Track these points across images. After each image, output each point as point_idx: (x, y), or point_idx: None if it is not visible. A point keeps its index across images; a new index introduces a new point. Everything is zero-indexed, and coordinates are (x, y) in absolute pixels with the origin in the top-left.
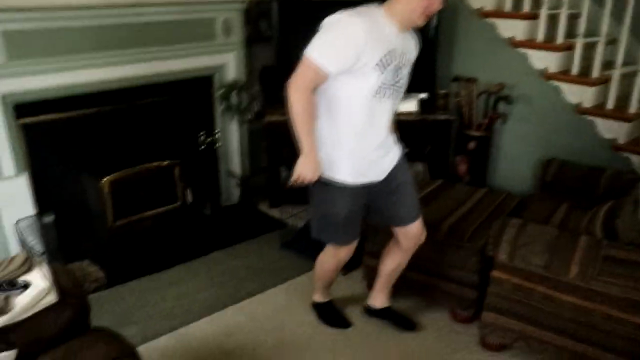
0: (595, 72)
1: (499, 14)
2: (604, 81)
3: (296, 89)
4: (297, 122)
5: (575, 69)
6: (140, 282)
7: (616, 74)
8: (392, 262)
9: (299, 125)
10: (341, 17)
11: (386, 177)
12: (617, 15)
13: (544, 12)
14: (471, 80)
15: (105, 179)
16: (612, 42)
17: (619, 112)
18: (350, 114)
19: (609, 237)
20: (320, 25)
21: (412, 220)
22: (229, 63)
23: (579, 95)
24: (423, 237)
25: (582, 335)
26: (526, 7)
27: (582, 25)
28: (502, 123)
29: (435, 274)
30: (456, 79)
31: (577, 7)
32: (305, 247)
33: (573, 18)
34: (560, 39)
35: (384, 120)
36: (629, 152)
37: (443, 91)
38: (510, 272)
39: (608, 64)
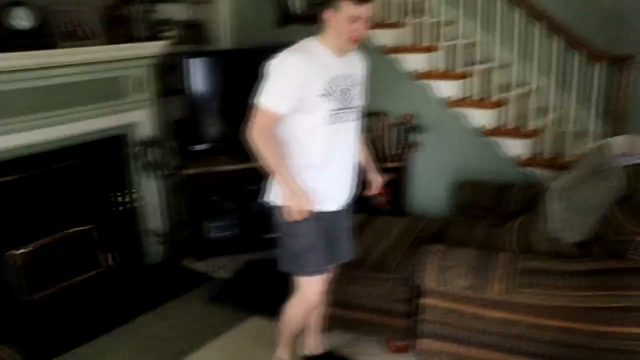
0: (494, 96)
1: (400, 49)
2: (503, 103)
3: (258, 136)
4: (271, 164)
5: (475, 95)
6: (63, 359)
7: (512, 95)
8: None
9: (273, 166)
10: (280, 58)
11: (337, 212)
12: (508, 43)
13: (442, 44)
14: (381, 114)
15: (18, 252)
16: (505, 66)
17: (519, 131)
18: (309, 146)
19: (525, 250)
20: (264, 70)
21: (343, 259)
22: (142, 119)
23: (481, 118)
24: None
25: (513, 347)
26: (425, 41)
27: (477, 52)
28: (415, 152)
29: (366, 309)
30: (367, 114)
31: (472, 36)
32: (235, 299)
33: (469, 47)
34: (459, 68)
35: (347, 144)
36: (533, 166)
37: None
38: (439, 297)
39: (504, 87)
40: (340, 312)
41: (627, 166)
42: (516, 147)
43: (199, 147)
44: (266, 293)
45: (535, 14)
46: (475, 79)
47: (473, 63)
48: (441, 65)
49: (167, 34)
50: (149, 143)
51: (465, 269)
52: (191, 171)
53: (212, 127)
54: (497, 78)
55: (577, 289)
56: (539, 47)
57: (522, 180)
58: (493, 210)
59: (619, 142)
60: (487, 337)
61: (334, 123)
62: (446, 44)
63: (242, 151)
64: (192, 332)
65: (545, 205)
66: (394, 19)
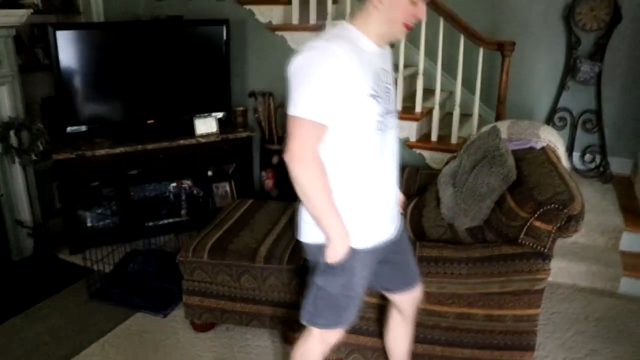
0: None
1: (287, 27)
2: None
3: (305, 164)
4: (317, 202)
5: None
6: None
7: (400, 78)
8: (405, 338)
9: (319, 205)
10: (314, 51)
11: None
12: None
13: (330, 22)
14: (267, 95)
15: None
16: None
17: (408, 112)
18: (356, 163)
19: (419, 236)
20: (292, 65)
21: (413, 283)
22: (1, 98)
23: None
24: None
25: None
26: (312, 19)
27: None
28: None
29: (260, 301)
30: (252, 94)
31: None
32: (117, 294)
33: None
34: None
35: (392, 157)
36: (420, 148)
37: (241, 108)
38: None
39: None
40: (230, 305)
41: (514, 151)
42: (405, 129)
43: (73, 129)
44: (151, 286)
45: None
46: None
47: None
48: None
49: (26, 0)
50: (10, 125)
51: None
52: (61, 156)
53: (88, 107)
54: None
55: (473, 276)
56: (425, 30)
57: (410, 163)
58: None
59: (504, 127)
60: (367, 322)
61: (383, 131)
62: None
63: (122, 133)
64: (72, 334)
65: (437, 191)
66: None
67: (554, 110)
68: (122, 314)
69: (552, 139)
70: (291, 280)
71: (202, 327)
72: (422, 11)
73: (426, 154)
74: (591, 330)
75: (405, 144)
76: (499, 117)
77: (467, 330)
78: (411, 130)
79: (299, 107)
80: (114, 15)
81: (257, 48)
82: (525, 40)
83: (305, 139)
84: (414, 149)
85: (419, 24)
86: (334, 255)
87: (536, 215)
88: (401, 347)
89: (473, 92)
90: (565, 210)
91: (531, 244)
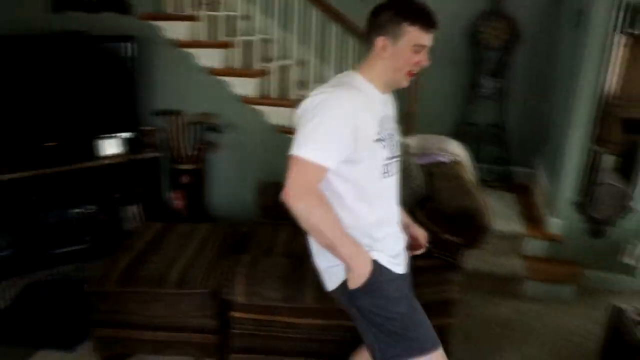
0: (292, 94)
1: (195, 44)
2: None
3: (300, 198)
4: (324, 229)
5: (274, 93)
6: None
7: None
8: None
9: (328, 232)
10: (324, 95)
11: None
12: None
13: (238, 40)
14: (176, 113)
15: None
16: (301, 63)
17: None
18: (358, 207)
19: None
20: (300, 108)
21: None
22: None
23: (278, 116)
24: None
25: (327, 351)
26: (221, 35)
27: (275, 48)
28: (214, 152)
29: (172, 328)
30: (159, 113)
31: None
32: (15, 332)
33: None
34: (256, 64)
35: (395, 201)
36: None
37: (148, 127)
38: (250, 310)
39: (305, 84)
40: (143, 335)
41: (423, 165)
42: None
43: None
44: (54, 320)
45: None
46: (274, 77)
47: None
48: (237, 62)
49: None
50: None
51: (276, 280)
52: None
53: None
54: (295, 76)
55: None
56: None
57: None
58: None
59: (413, 142)
60: (301, 344)
61: (388, 176)
62: (242, 38)
63: (19, 157)
64: None
65: None
66: (187, 11)
67: (461, 123)
68: (22, 354)
69: (459, 152)
70: (206, 304)
71: None
72: (425, 58)
73: None
74: (499, 334)
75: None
76: (408, 132)
77: None
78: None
79: (301, 147)
80: (3, 29)
81: (165, 65)
82: (431, 56)
83: (301, 177)
84: None
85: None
86: (359, 275)
87: (446, 229)
88: None
89: None
90: (472, 224)
91: (442, 257)
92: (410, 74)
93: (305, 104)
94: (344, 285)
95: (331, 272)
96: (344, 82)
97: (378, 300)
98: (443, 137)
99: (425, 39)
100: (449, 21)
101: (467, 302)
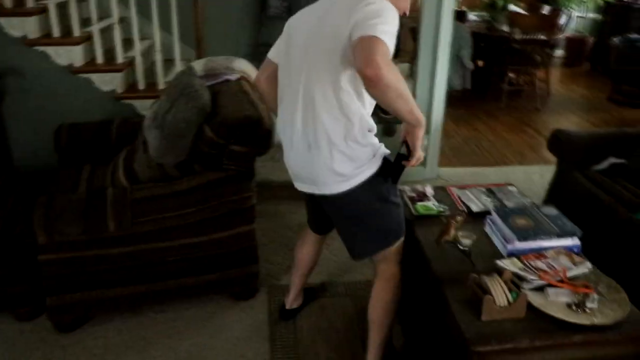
0: (76, 31)
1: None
2: (87, 39)
3: (390, 69)
4: (407, 95)
5: (56, 32)
6: None
7: (96, 29)
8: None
9: (409, 97)
10: (388, 4)
11: None
12: None
13: None
14: None
15: None
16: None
17: (109, 64)
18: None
19: (133, 182)
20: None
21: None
22: None
23: (67, 56)
24: None
25: (142, 276)
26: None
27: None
28: (1, 101)
29: None
30: None
31: None
32: None
33: None
34: (30, 3)
35: None
36: (129, 99)
37: None
38: (56, 250)
39: (85, 22)
40: None
41: (210, 86)
42: (109, 82)
43: None
44: None
45: None
46: (53, 14)
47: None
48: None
49: None
50: None
51: (76, 215)
52: None
53: None
54: (76, 13)
55: (186, 207)
56: None
57: (122, 115)
58: (96, 149)
59: (201, 65)
60: (115, 275)
61: None
62: None
63: None
64: None
65: (144, 135)
66: None
67: (255, 45)
68: None
69: (245, 69)
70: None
71: None
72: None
73: (136, 103)
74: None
75: (113, 96)
76: (199, 57)
77: (195, 259)
78: (115, 81)
79: (384, 34)
80: None
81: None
82: None
83: (385, 52)
84: (122, 100)
85: None
86: (423, 133)
87: (232, 140)
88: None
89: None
90: (255, 131)
91: (234, 167)
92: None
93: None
94: (370, 180)
95: (355, 174)
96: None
97: (392, 187)
98: (231, 57)
99: None
100: None
101: (268, 210)
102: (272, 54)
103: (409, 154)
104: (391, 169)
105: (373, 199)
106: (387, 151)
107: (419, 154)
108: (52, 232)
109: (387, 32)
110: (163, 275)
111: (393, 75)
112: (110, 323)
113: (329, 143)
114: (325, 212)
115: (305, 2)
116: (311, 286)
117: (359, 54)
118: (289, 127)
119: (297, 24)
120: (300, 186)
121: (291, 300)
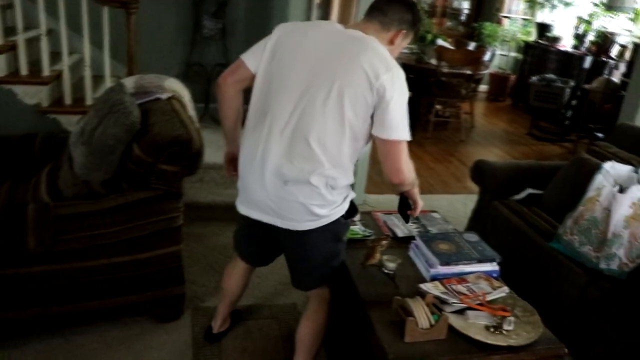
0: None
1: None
2: (11, 48)
3: (409, 168)
4: (414, 180)
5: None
6: None
7: (21, 39)
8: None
9: (414, 178)
10: (401, 75)
11: None
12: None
13: None
14: None
15: None
16: (8, 7)
17: (35, 77)
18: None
19: (56, 198)
20: (388, 86)
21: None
22: None
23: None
24: None
25: (67, 296)
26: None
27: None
28: None
29: None
30: None
31: None
32: None
33: None
34: None
35: None
36: (55, 113)
37: None
38: None
39: (10, 30)
40: None
41: (140, 104)
42: (34, 95)
43: None
44: None
45: None
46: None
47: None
48: None
49: None
50: None
51: None
52: None
53: None
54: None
55: (111, 225)
56: None
57: (46, 130)
58: (16, 163)
59: (131, 82)
60: (34, 295)
61: None
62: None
63: None
64: None
65: (69, 151)
66: None
67: (187, 64)
68: None
69: (176, 89)
70: None
71: None
72: None
73: (62, 118)
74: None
75: (37, 110)
76: (130, 74)
77: (119, 279)
78: (41, 94)
79: (400, 131)
80: None
81: None
82: None
83: (406, 153)
84: (47, 115)
85: None
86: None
87: (161, 159)
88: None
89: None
90: (184, 151)
91: (162, 187)
92: None
93: (394, 79)
94: (335, 221)
95: (326, 215)
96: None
97: (347, 231)
98: (162, 76)
99: None
100: None
101: (194, 232)
102: (250, 62)
103: (406, 204)
104: (400, 213)
105: (331, 238)
106: (354, 194)
107: (421, 203)
108: None
109: (405, 120)
110: (85, 296)
111: (410, 173)
112: (27, 345)
113: (312, 186)
114: (272, 243)
115: (242, 25)
116: (237, 309)
117: (386, 159)
118: (259, 156)
119: (290, 44)
120: (259, 216)
121: (218, 326)
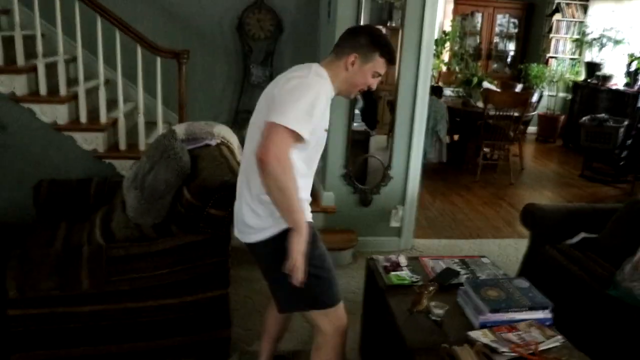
0: (62, 90)
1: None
2: (73, 97)
3: (278, 158)
4: (288, 192)
5: (43, 90)
6: None
7: (81, 90)
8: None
9: (291, 195)
10: (308, 79)
11: None
12: (71, 34)
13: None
14: None
15: None
16: (71, 60)
17: (93, 124)
18: (303, 171)
19: (109, 240)
20: (290, 83)
21: None
22: None
23: (52, 114)
24: None
25: (115, 335)
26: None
27: (39, 45)
28: None
29: None
30: None
31: (32, 28)
32: None
33: (31, 39)
34: (21, 61)
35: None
36: (110, 158)
37: None
38: (26, 306)
39: (72, 82)
40: None
41: (190, 149)
42: (91, 141)
43: None
44: None
45: (95, 8)
46: (41, 73)
47: (35, 57)
48: None
49: None
50: None
51: (50, 270)
52: None
53: None
54: (63, 72)
55: (161, 268)
56: (102, 41)
57: (101, 174)
58: (73, 207)
59: (182, 129)
60: (84, 334)
61: (319, 153)
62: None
63: None
64: None
65: (123, 194)
66: None
67: (236, 111)
68: None
69: (225, 135)
70: None
71: None
72: (375, 83)
73: (116, 163)
74: None
75: (94, 156)
76: (181, 121)
77: (166, 321)
78: (98, 140)
79: (288, 118)
80: None
81: None
82: (202, 49)
83: (284, 143)
84: (103, 159)
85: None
86: (302, 240)
87: (210, 204)
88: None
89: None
90: (233, 196)
91: (210, 231)
92: (360, 90)
93: (295, 81)
94: (273, 239)
95: (260, 229)
96: (321, 75)
97: (315, 251)
98: (211, 123)
99: (384, 70)
100: (219, 15)
101: (241, 275)
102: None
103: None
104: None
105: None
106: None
107: (294, 260)
108: (24, 286)
109: (295, 109)
110: (133, 336)
111: (280, 167)
112: None
113: (243, 197)
114: None
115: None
116: (281, 354)
117: (261, 136)
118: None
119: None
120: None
121: None
